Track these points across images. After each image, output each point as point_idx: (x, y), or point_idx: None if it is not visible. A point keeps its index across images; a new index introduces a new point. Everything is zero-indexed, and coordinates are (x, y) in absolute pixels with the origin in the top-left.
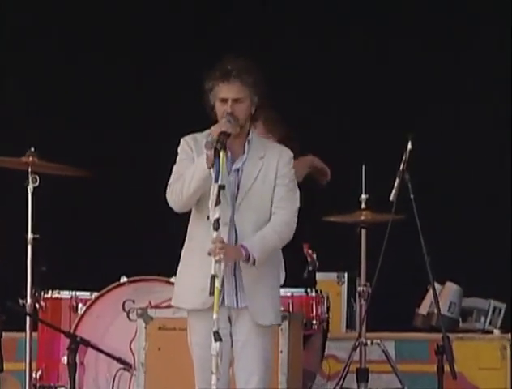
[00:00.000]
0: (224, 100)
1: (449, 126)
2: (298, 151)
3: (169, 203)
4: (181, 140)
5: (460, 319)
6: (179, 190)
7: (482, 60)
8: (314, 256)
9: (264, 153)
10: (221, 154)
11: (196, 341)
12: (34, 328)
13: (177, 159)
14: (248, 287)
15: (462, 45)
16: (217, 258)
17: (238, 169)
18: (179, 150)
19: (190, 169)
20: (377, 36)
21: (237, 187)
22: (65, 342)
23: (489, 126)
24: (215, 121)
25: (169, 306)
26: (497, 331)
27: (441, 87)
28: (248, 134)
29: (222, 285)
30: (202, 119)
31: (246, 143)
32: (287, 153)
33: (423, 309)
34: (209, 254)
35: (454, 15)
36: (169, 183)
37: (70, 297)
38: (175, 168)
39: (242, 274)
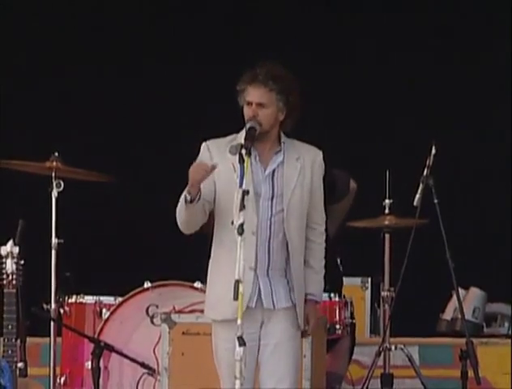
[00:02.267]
0: (250, 104)
1: (470, 131)
2: None
3: None
4: (203, 145)
5: (484, 324)
6: (177, 217)
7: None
8: (338, 261)
9: (299, 154)
10: (246, 159)
11: (226, 347)
12: (58, 333)
13: None
14: (297, 288)
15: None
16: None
17: (274, 171)
18: (199, 156)
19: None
20: (401, 43)
21: (272, 190)
22: (89, 347)
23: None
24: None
25: (193, 311)
26: None
27: (461, 92)
28: (279, 137)
29: (258, 288)
30: (231, 123)
31: (282, 145)
32: (319, 154)
33: (447, 315)
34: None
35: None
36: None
37: (94, 302)
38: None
39: (292, 277)
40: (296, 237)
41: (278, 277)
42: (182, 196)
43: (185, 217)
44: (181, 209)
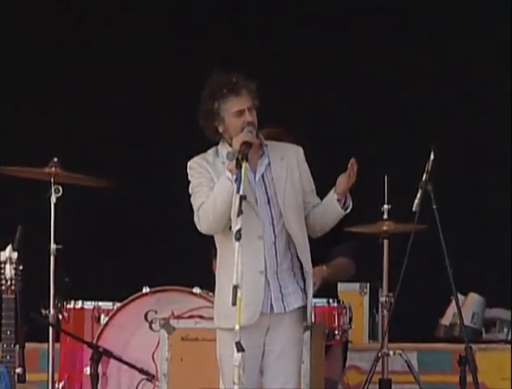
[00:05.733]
0: (241, 112)
1: (469, 135)
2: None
3: (200, 230)
4: (192, 163)
5: (483, 330)
6: (207, 217)
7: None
8: None
9: (283, 154)
10: (243, 164)
11: (229, 353)
12: (57, 339)
13: (195, 183)
14: (308, 287)
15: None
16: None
17: (263, 175)
18: (192, 173)
19: (214, 193)
20: (399, 47)
21: (266, 193)
22: (87, 352)
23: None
24: (217, 143)
25: (192, 317)
26: None
27: (460, 95)
28: (260, 139)
29: (269, 292)
30: None
31: (264, 148)
32: (300, 150)
33: (446, 320)
34: None
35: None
36: (196, 210)
37: (92, 307)
38: (196, 193)
39: (307, 275)
40: (300, 234)
41: (287, 278)
42: (222, 185)
43: (220, 212)
44: (220, 202)
